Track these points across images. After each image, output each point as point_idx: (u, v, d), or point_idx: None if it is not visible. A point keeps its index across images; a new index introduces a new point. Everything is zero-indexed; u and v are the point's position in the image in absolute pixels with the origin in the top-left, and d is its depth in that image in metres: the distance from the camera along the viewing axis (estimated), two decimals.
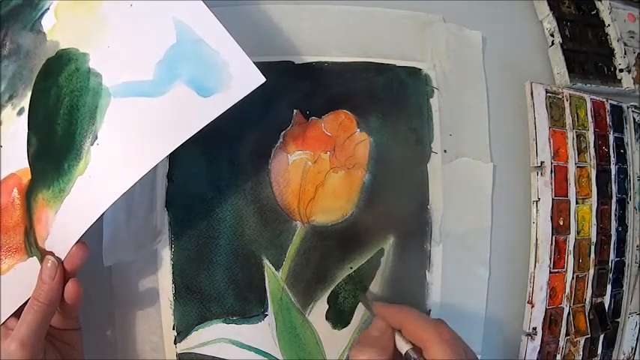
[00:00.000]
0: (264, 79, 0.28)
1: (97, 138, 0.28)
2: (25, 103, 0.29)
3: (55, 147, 0.28)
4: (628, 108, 0.47)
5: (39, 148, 0.29)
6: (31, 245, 0.30)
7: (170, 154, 0.36)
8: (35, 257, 0.30)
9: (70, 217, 0.28)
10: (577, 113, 0.43)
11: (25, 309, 0.29)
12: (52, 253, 0.30)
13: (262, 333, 0.37)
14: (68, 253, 0.29)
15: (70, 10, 0.28)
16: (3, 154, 0.30)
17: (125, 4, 0.28)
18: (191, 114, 0.27)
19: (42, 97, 0.29)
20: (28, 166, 0.29)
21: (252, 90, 0.27)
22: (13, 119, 0.30)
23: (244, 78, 0.27)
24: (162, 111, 0.27)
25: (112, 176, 0.27)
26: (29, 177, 0.29)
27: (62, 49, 0.28)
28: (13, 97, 0.30)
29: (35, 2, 0.29)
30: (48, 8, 0.29)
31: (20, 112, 0.30)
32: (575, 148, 0.43)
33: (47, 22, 0.29)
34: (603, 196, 0.44)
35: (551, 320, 0.41)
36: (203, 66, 0.27)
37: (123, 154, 0.28)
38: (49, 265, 0.29)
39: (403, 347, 0.30)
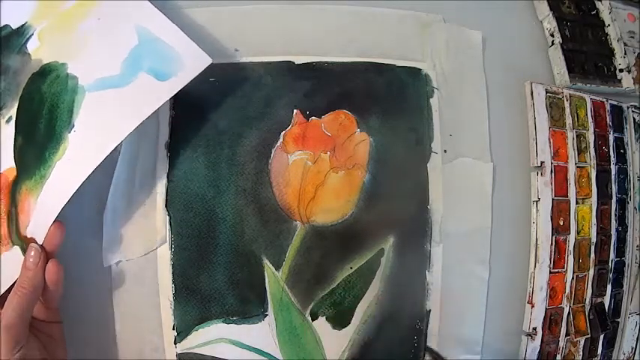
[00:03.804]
0: (210, 60, 0.33)
1: (74, 126, 0.32)
2: (13, 112, 0.34)
3: (38, 141, 0.33)
4: (628, 108, 0.47)
5: (23, 145, 0.34)
6: (14, 235, 0.33)
7: (170, 154, 0.37)
8: (17, 246, 0.33)
9: (48, 199, 0.32)
10: (577, 113, 0.43)
11: (9, 296, 0.30)
12: (34, 240, 0.32)
13: (262, 333, 0.37)
14: (47, 234, 0.32)
15: (50, 33, 0.35)
16: None
17: (94, 20, 0.34)
18: (152, 95, 0.33)
19: (27, 103, 0.34)
20: (14, 164, 0.34)
21: (200, 70, 0.33)
22: (2, 127, 0.34)
23: (194, 63, 0.33)
24: (128, 96, 0.33)
25: (86, 154, 0.32)
26: (14, 174, 0.33)
27: (45, 64, 0.34)
28: (2, 108, 0.35)
29: (21, 30, 0.36)
30: (32, 34, 0.35)
31: (8, 121, 0.34)
32: (575, 148, 0.43)
33: (32, 45, 0.35)
34: (603, 196, 0.44)
35: (551, 320, 0.41)
36: (160, 58, 0.33)
37: (96, 133, 0.32)
38: (32, 252, 0.31)
39: None
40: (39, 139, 0.33)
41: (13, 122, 0.34)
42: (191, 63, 0.33)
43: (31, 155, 0.33)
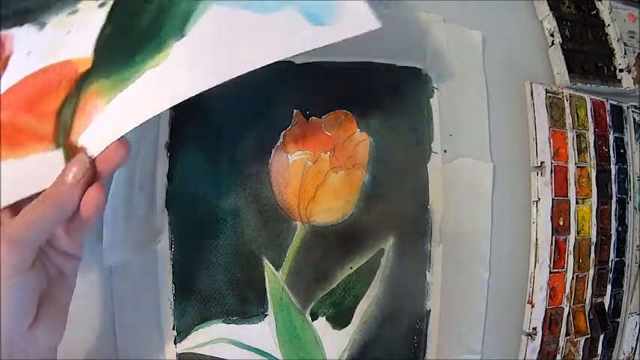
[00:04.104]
0: (378, 26, 0.28)
1: (183, 36, 0.26)
2: None
3: (133, 37, 0.27)
4: (628, 108, 0.47)
5: (112, 36, 0.28)
6: (61, 136, 0.27)
7: (170, 154, 0.37)
8: (61, 151, 0.26)
9: (122, 109, 0.26)
10: (577, 113, 0.43)
11: (28, 207, 0.24)
12: (83, 152, 0.26)
13: (262, 333, 0.37)
14: (105, 149, 0.25)
15: None
16: (68, 38, 0.29)
17: None
18: (294, 36, 0.27)
19: None
20: (90, 55, 0.28)
21: (362, 32, 0.28)
22: (92, 9, 0.29)
23: (358, 20, 0.28)
24: (265, 26, 0.27)
25: (187, 75, 0.26)
26: (88, 66, 0.27)
27: None
28: None
29: None
30: None
31: (102, 5, 0.29)
32: (575, 148, 0.43)
33: None
34: (603, 196, 0.44)
35: (551, 320, 0.41)
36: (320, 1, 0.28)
37: (208, 58, 0.26)
38: (75, 166, 0.25)
39: None
40: (135, 35, 0.27)
41: (107, 8, 0.28)
42: (354, 19, 0.28)
43: (118, 50, 0.27)
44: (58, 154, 0.26)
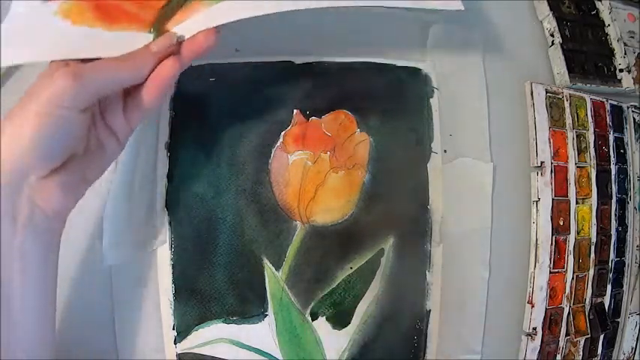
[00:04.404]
0: (462, 8, 0.32)
1: None
2: None
3: None
4: (628, 108, 0.47)
5: None
6: (158, 25, 0.28)
7: (170, 154, 0.37)
8: (153, 35, 0.27)
9: (224, 10, 0.27)
10: (577, 113, 0.43)
11: (103, 58, 0.25)
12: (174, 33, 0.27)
13: (262, 333, 0.37)
14: (195, 34, 0.26)
15: None
16: None
17: None
18: None
19: None
20: None
21: (445, 9, 0.32)
22: None
23: None
24: None
25: None
26: None
27: None
28: None
29: None
30: None
31: None
32: (575, 148, 0.43)
33: None
34: (603, 196, 0.44)
35: (551, 320, 0.41)
36: None
37: None
38: (166, 37, 0.26)
39: None
40: None
41: None
42: None
43: None
44: (149, 37, 0.27)
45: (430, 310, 0.39)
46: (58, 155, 0.25)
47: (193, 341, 0.36)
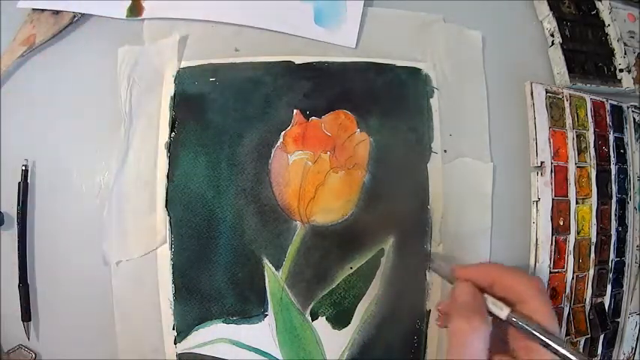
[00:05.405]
0: (353, 46, 0.39)
1: None
2: None
3: None
4: (628, 108, 0.47)
5: None
6: None
7: (170, 154, 0.37)
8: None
9: None
10: (577, 113, 0.43)
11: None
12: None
13: (262, 333, 0.37)
14: None
15: None
16: None
17: None
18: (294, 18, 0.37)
19: None
20: None
21: (341, 44, 0.38)
22: None
23: (343, 36, 0.38)
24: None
25: None
26: None
27: None
28: None
29: None
30: None
31: None
32: (575, 148, 0.43)
33: None
34: (603, 196, 0.44)
35: None
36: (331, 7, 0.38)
37: None
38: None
39: (502, 311, 0.28)
40: None
41: None
42: (343, 33, 0.37)
43: None
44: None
45: (430, 310, 0.39)
46: None
47: (193, 341, 0.36)
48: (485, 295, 0.29)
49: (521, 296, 0.28)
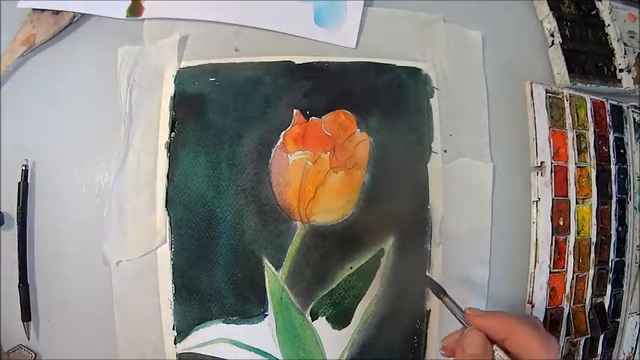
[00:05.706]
0: (353, 46, 0.39)
1: None
2: None
3: None
4: (628, 108, 0.47)
5: None
6: None
7: (170, 154, 0.37)
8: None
9: None
10: (577, 113, 0.43)
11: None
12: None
13: (262, 333, 0.37)
14: None
15: None
16: None
17: None
18: (296, 21, 0.38)
19: None
20: None
21: (342, 44, 0.39)
22: None
23: (342, 36, 0.38)
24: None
25: None
26: None
27: None
28: None
29: None
30: None
31: None
32: (575, 148, 0.43)
33: None
34: (603, 196, 0.44)
35: (551, 320, 0.41)
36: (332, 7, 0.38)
37: None
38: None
39: None
40: None
41: None
42: (343, 33, 0.38)
43: None
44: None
45: (430, 310, 0.39)
46: None
47: (193, 341, 0.36)
48: (495, 347, 0.29)
49: (530, 351, 0.28)
